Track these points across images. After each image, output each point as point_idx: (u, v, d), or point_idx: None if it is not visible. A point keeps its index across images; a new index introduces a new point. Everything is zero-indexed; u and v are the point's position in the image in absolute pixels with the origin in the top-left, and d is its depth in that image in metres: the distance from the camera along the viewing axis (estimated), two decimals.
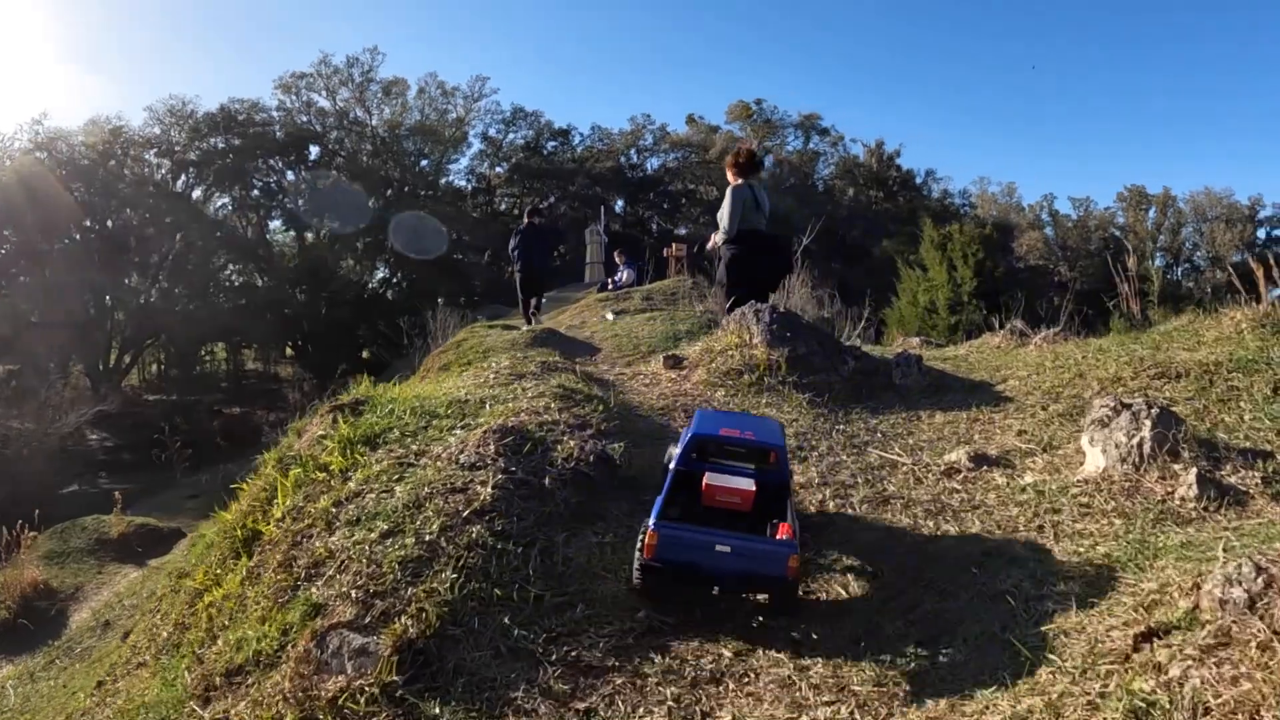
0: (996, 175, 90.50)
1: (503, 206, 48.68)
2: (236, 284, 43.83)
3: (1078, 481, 3.90)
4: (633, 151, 49.65)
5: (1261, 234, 46.67)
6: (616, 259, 18.16)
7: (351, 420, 4.77)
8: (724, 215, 7.41)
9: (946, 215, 42.74)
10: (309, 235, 44.07)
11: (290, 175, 44.34)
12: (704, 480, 3.44)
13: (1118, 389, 4.93)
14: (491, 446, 4.10)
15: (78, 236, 37.94)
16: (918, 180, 52.70)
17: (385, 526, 3.55)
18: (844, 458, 4.67)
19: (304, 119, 44.32)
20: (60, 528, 12.59)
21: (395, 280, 45.44)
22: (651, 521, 3.16)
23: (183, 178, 41.90)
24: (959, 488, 4.17)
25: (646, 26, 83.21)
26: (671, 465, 3.64)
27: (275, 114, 43.27)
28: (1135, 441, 3.86)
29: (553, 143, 49.30)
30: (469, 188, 48.82)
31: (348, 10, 73.62)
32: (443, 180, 47.70)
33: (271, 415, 29.21)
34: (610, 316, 11.15)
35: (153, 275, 40.37)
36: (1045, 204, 52.65)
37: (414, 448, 4.32)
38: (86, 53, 66.63)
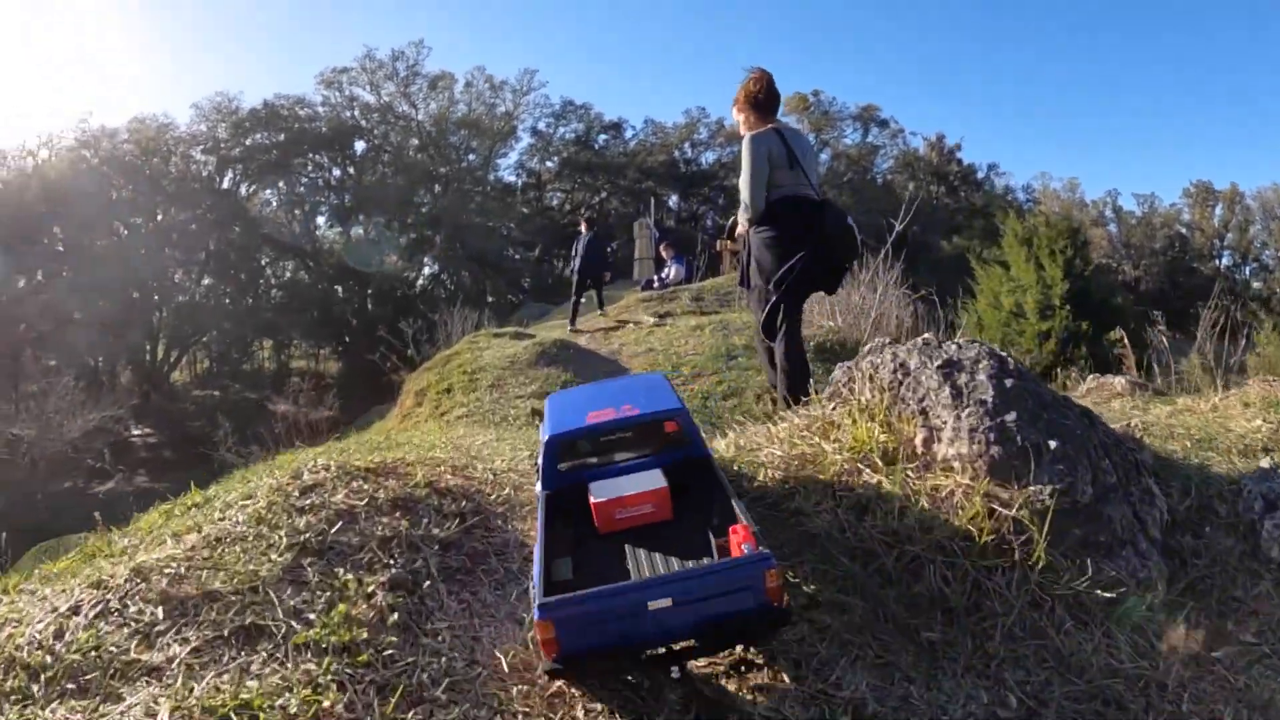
0: (1057, 171, 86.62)
1: (553, 202, 47.66)
2: (281, 280, 43.48)
3: None
4: (687, 145, 48.18)
5: None
6: (663, 254, 16.44)
7: None
8: (744, 182, 4.53)
9: (1011, 212, 40.44)
10: (355, 231, 43.48)
11: (335, 171, 43.86)
12: (590, 501, 2.35)
13: None
14: None
15: (125, 233, 37.83)
16: (979, 175, 50.63)
17: None
18: None
19: (348, 114, 43.71)
20: (44, 547, 11.47)
21: (442, 277, 44.64)
22: (535, 605, 1.94)
23: (228, 174, 41.74)
24: None
25: (701, 17, 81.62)
26: (537, 490, 2.50)
27: (319, 109, 42.90)
28: None
29: (604, 136, 48.19)
30: (518, 183, 47.89)
31: (392, 4, 73.36)
32: (491, 175, 46.82)
33: (315, 414, 28.55)
34: (650, 320, 9.69)
35: (197, 272, 40.29)
36: (1109, 200, 50.62)
37: None
38: (133, 51, 67.43)
